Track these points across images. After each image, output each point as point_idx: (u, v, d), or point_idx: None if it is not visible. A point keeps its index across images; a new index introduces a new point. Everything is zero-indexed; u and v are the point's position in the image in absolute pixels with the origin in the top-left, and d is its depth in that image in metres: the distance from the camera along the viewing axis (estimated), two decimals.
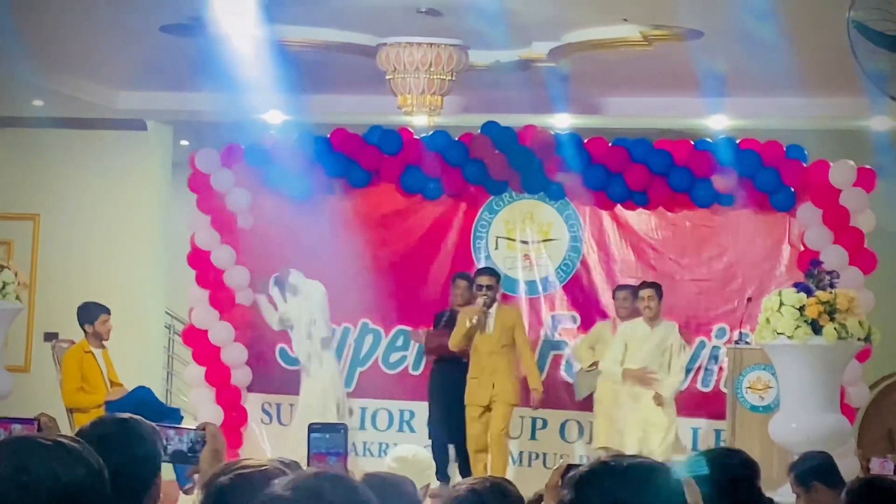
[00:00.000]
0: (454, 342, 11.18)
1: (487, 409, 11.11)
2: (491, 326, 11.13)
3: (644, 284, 11.26)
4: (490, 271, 11.48)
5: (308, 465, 3.40)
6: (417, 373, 12.28)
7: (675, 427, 11.03)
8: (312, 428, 3.49)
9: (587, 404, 11.63)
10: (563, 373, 12.09)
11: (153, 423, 3.46)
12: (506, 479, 4.07)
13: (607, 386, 11.28)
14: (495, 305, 11.17)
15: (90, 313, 10.96)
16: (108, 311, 10.99)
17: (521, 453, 12.04)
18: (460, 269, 12.16)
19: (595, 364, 11.47)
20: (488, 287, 11.14)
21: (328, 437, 3.45)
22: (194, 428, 3.60)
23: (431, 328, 11.88)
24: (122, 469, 2.60)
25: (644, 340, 11.01)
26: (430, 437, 11.53)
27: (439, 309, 11.96)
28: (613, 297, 11.60)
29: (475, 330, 11.06)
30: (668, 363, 11.00)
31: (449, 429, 11.28)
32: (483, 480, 3.70)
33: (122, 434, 3.25)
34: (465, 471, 11.08)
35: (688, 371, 11.41)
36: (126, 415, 3.38)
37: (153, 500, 3.21)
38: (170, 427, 3.54)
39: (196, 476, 3.56)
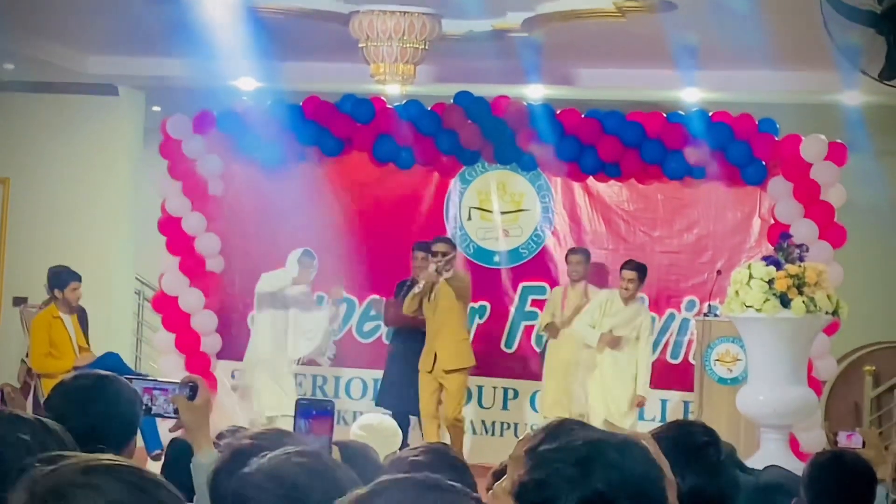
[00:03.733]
0: (405, 307, 11.24)
1: (432, 376, 11.15)
2: (436, 293, 11.15)
3: (630, 264, 11.25)
4: (445, 240, 11.51)
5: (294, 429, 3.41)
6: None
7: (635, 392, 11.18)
8: (300, 403, 3.49)
9: None
10: (533, 343, 12.12)
11: (137, 379, 3.44)
12: (445, 444, 4.08)
13: (559, 352, 11.38)
14: (451, 273, 11.20)
15: (60, 279, 10.90)
16: (78, 278, 10.92)
17: (493, 423, 12.07)
18: (433, 238, 12.17)
19: (549, 326, 11.53)
20: (443, 254, 11.19)
21: (314, 413, 3.46)
22: (179, 382, 3.57)
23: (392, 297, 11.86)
24: (98, 426, 2.56)
25: (616, 314, 11.13)
26: (377, 406, 11.35)
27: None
28: (566, 261, 11.66)
29: (421, 295, 11.11)
30: (635, 337, 11.10)
31: (408, 399, 11.14)
32: (425, 448, 3.70)
33: (102, 389, 3.20)
34: None
35: (655, 345, 11.55)
36: (108, 372, 3.32)
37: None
38: (154, 387, 3.49)
39: (180, 431, 3.53)
